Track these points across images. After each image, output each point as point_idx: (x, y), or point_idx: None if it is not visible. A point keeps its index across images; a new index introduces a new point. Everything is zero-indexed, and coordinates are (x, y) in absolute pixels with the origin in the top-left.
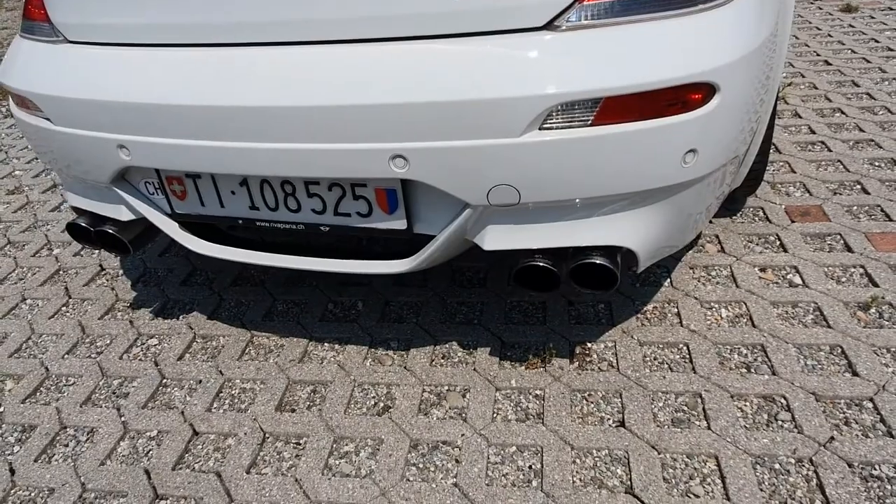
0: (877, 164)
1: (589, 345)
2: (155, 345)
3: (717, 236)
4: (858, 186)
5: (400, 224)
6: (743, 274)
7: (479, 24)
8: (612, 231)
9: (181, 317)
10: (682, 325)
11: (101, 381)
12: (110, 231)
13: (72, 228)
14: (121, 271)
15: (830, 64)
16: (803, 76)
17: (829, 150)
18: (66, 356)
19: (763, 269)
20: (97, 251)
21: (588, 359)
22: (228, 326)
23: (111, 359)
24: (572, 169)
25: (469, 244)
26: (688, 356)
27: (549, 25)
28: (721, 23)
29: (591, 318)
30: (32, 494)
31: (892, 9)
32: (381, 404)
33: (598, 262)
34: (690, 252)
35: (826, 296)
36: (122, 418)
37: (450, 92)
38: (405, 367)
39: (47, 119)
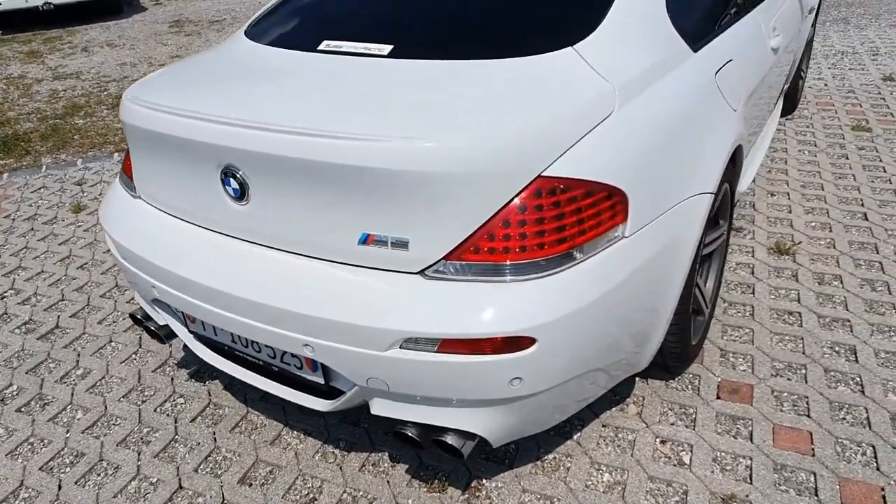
0: (837, 348)
1: (484, 482)
2: (182, 403)
3: (643, 398)
4: (802, 372)
5: (320, 379)
6: (643, 442)
7: (375, 262)
8: (465, 419)
9: (207, 382)
10: (564, 482)
11: (137, 426)
12: (152, 327)
13: (133, 317)
14: None
15: (868, 220)
16: (831, 230)
17: (800, 325)
18: (121, 399)
19: (663, 442)
20: None
21: (477, 494)
22: (234, 399)
23: (148, 409)
24: (424, 378)
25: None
26: None
27: (422, 272)
28: (547, 288)
29: (499, 457)
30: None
31: None
32: (312, 495)
33: (447, 440)
34: (613, 409)
35: (700, 482)
36: (139, 462)
37: (340, 314)
38: (340, 468)
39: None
